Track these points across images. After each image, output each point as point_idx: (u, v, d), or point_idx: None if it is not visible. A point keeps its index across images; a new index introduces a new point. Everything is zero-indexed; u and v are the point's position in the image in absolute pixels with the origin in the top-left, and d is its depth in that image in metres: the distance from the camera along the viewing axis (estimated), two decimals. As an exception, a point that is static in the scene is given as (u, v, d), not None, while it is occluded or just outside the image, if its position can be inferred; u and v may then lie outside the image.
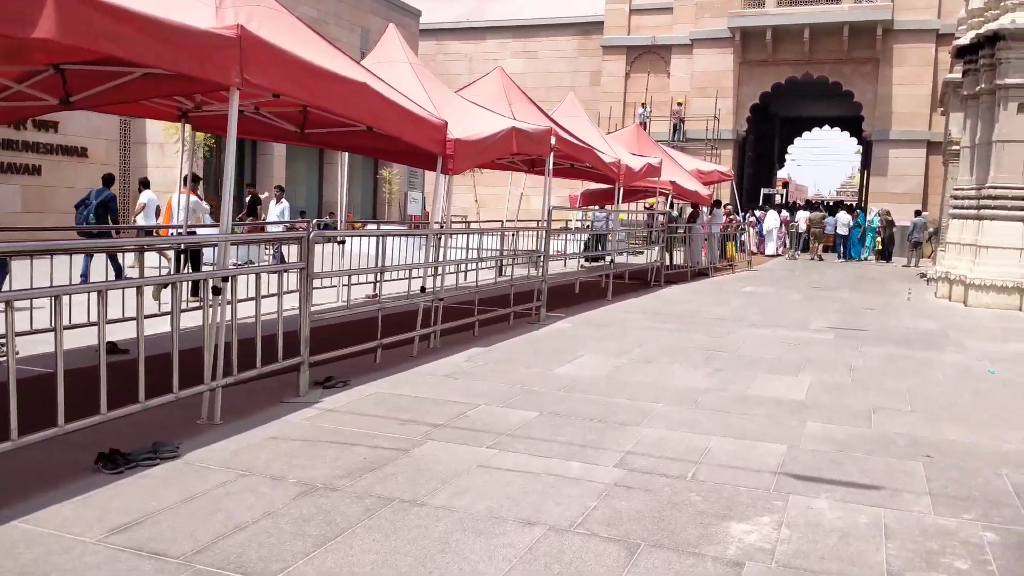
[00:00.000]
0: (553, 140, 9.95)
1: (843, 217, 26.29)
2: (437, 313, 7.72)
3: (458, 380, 6.49)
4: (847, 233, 25.81)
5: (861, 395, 6.55)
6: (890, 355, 8.45)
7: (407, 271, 7.68)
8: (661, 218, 16.19)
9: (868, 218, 26.21)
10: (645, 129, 22.75)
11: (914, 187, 27.42)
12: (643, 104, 30.63)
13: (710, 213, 19.79)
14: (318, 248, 11.03)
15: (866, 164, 31.40)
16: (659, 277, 14.88)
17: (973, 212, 13.72)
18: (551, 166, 10.16)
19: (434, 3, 35.57)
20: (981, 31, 13.46)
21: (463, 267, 11.25)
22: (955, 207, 14.61)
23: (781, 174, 44.24)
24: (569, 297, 12.01)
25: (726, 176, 20.93)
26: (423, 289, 7.45)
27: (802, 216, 28.10)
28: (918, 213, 24.77)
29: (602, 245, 18.49)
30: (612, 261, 12.92)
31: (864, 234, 25.77)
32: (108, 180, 12.40)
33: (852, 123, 32.14)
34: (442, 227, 9.11)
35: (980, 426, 5.72)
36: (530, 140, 9.30)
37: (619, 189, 13.46)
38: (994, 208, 13.17)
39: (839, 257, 25.79)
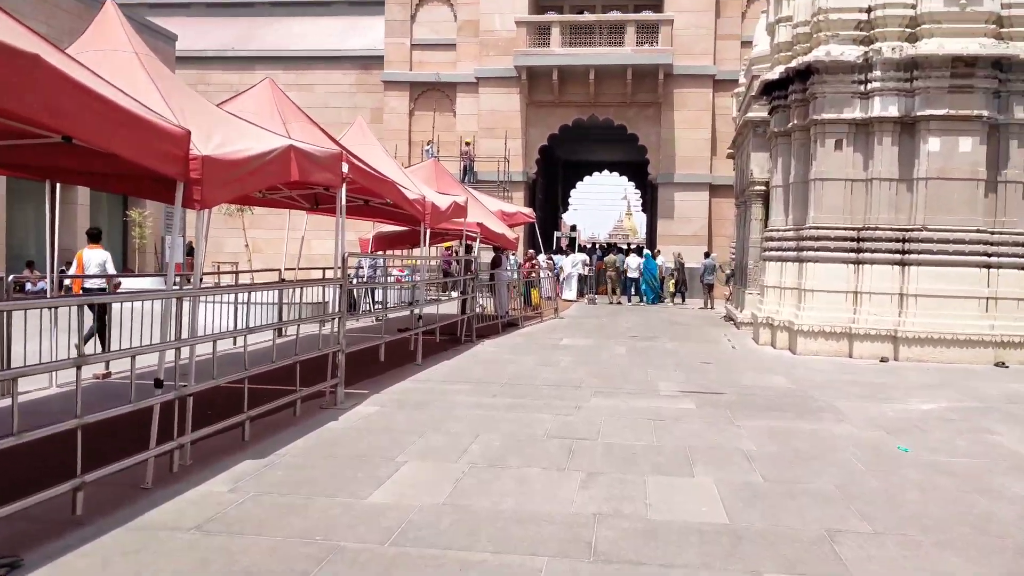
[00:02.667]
0: (346, 168, 7.67)
1: (633, 261, 25.84)
2: (184, 412, 5.14)
3: (216, 537, 3.99)
4: (637, 276, 25.40)
5: (792, 506, 4.81)
6: (773, 431, 6.92)
7: (133, 354, 4.94)
8: (456, 265, 14.24)
9: (659, 261, 26.02)
10: (436, 168, 20.79)
11: (700, 229, 27.69)
12: (429, 142, 28.91)
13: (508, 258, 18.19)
14: (34, 315, 7.91)
15: (652, 207, 31.56)
16: (470, 331, 12.88)
17: (793, 254, 12.98)
18: (343, 201, 7.85)
19: (194, 28, 31.96)
20: (792, 65, 12.82)
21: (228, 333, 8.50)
22: (770, 248, 13.88)
23: (565, 218, 44.19)
24: (371, 364, 9.63)
25: (529, 218, 19.45)
26: (159, 383, 4.84)
27: (584, 260, 27.48)
28: (707, 255, 24.83)
29: (371, 296, 16.30)
30: (420, 318, 10.68)
31: (649, 277, 25.44)
32: None
33: (638, 167, 32.31)
34: (200, 283, 6.53)
35: (976, 553, 4.12)
36: (315, 165, 6.95)
37: (425, 231, 11.30)
38: (817, 249, 12.43)
39: (630, 300, 25.28)
